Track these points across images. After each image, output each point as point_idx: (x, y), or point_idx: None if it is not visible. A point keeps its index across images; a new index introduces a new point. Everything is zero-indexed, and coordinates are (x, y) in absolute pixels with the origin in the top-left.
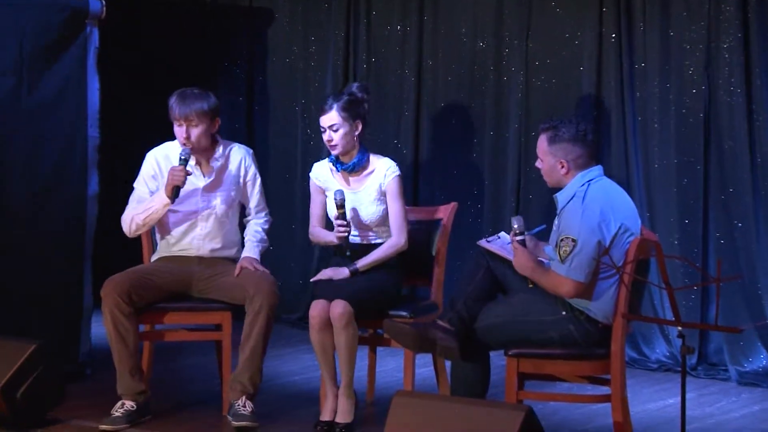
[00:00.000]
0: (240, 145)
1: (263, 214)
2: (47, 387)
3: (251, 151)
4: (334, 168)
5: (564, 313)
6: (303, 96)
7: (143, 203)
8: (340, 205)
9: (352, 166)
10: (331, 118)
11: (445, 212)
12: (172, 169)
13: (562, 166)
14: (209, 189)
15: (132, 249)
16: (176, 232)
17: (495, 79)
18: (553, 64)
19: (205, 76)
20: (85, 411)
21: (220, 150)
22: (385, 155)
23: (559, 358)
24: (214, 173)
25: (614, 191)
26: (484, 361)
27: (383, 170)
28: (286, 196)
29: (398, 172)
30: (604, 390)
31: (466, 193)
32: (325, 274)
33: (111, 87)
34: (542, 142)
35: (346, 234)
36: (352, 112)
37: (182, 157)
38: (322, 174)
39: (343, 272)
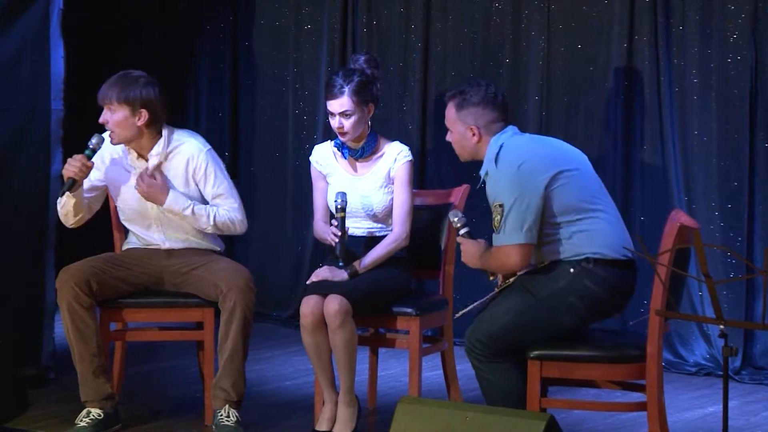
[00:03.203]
0: (196, 138)
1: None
2: (5, 394)
3: (207, 147)
4: (338, 152)
5: (572, 270)
6: (295, 64)
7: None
8: (341, 209)
9: (361, 152)
10: (342, 104)
11: (456, 195)
12: (72, 158)
13: (474, 134)
14: None
15: (102, 237)
16: (134, 228)
17: (512, 45)
18: (579, 28)
19: (182, 41)
20: (48, 421)
21: (159, 146)
22: (387, 131)
23: (590, 360)
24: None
25: (535, 142)
26: (517, 364)
27: (394, 154)
28: (276, 177)
29: (410, 158)
30: (636, 397)
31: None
32: (320, 274)
33: (78, 54)
34: (450, 110)
35: (336, 242)
36: (365, 95)
37: (90, 146)
38: (324, 158)
39: (341, 275)
